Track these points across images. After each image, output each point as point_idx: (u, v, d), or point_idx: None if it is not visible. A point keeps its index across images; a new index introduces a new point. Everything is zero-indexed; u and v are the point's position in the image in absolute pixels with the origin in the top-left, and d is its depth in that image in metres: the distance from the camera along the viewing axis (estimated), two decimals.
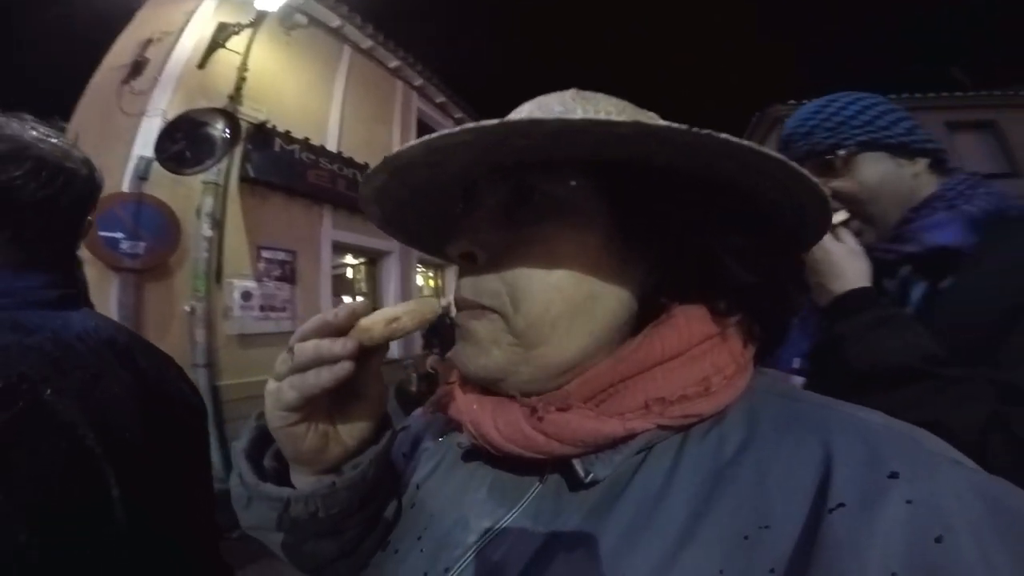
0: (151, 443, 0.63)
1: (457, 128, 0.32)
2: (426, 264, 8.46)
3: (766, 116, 11.27)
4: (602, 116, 0.32)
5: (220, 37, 4.67)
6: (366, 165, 6.51)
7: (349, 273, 8.11)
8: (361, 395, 0.41)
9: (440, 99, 8.89)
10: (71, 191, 0.68)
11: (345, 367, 0.35)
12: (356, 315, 0.37)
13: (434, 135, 0.33)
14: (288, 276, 5.43)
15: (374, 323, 0.37)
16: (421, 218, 0.49)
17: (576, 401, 0.36)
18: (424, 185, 0.41)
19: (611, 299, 0.37)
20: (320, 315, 0.37)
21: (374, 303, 7.28)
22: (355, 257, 7.50)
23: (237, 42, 4.87)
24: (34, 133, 0.66)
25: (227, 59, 4.89)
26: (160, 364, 0.74)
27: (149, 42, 4.67)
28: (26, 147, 0.64)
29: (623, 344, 0.37)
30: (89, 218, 0.74)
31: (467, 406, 0.40)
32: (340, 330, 0.37)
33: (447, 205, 0.45)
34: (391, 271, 7.25)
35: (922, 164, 0.88)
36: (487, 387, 0.41)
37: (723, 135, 0.29)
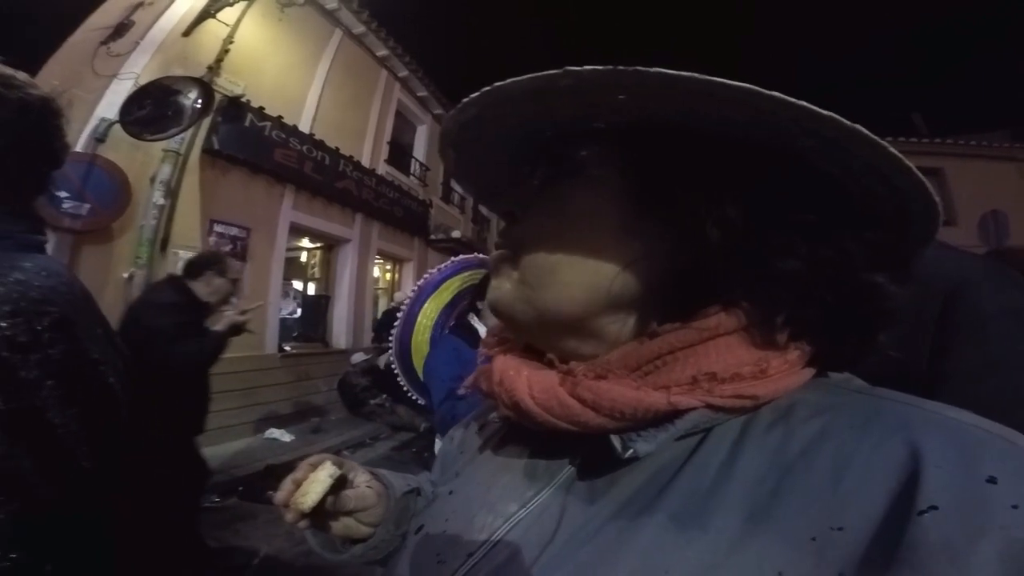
0: (125, 379, 0.70)
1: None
2: (385, 256, 8.36)
3: None
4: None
5: (212, 7, 4.46)
6: (336, 149, 6.38)
7: (304, 257, 7.90)
8: (356, 496, 0.49)
9: (422, 93, 8.79)
10: (60, 136, 0.70)
11: (298, 524, 0.45)
12: (297, 484, 0.46)
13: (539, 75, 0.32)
14: (239, 253, 5.23)
15: (297, 497, 0.45)
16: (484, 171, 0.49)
17: (618, 368, 0.34)
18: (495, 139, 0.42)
19: (616, 258, 0.35)
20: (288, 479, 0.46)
21: (326, 289, 7.14)
22: (312, 241, 7.31)
23: (228, 14, 4.66)
24: (20, 76, 0.66)
25: (214, 29, 4.68)
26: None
27: (139, 5, 4.40)
28: (16, 87, 0.64)
29: (661, 320, 0.35)
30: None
31: (504, 372, 0.39)
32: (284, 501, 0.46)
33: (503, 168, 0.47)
34: (348, 258, 7.10)
35: None
36: (523, 341, 0.43)
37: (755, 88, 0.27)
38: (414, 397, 2.16)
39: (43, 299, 0.55)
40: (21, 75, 0.66)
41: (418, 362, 2.01)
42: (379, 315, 7.34)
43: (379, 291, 8.57)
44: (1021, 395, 0.63)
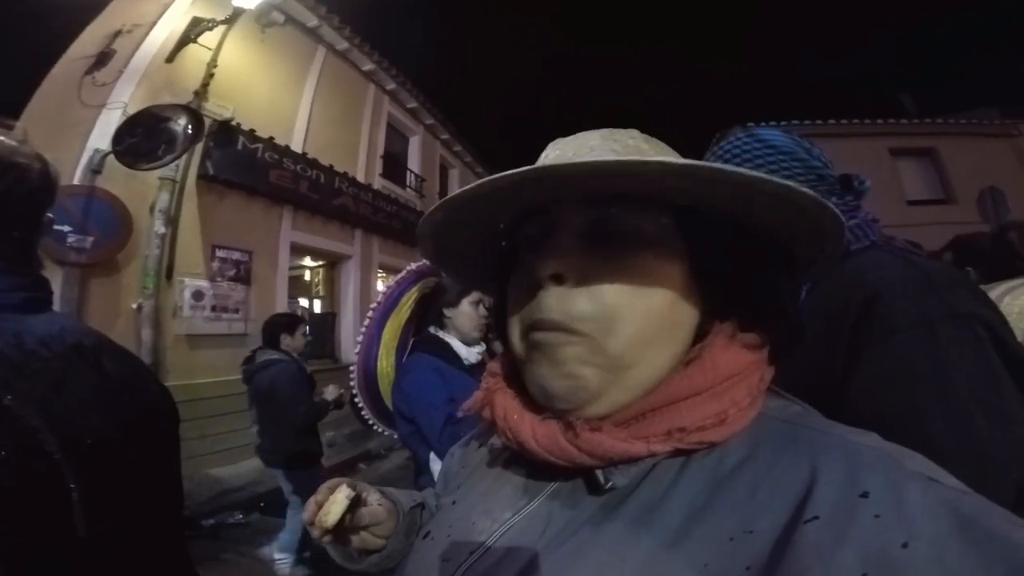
0: (116, 449, 0.62)
1: (514, 172, 0.35)
2: (387, 270, 8.40)
3: (725, 136, 11.51)
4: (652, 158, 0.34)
5: (192, 32, 4.55)
6: (331, 167, 6.44)
7: (307, 276, 7.97)
8: (369, 513, 0.57)
9: (412, 104, 8.87)
10: (23, 186, 0.65)
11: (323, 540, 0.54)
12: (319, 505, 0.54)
13: (495, 177, 0.36)
14: (243, 277, 5.30)
15: (321, 516, 0.53)
16: (467, 256, 0.54)
17: (607, 424, 0.39)
18: (471, 223, 0.46)
19: (688, 327, 0.41)
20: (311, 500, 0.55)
21: (332, 306, 7.19)
22: (314, 260, 7.37)
23: (209, 38, 4.75)
24: None
25: (197, 54, 4.77)
26: (127, 367, 0.71)
27: (118, 33, 4.49)
28: None
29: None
30: (49, 215, 0.71)
31: (508, 412, 0.44)
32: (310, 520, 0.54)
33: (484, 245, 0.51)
34: (351, 275, 7.17)
35: None
36: (542, 407, 0.43)
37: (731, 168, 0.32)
38: (381, 430, 1.93)
39: None
40: None
41: (384, 389, 1.81)
42: None
43: None
44: (914, 409, 0.65)
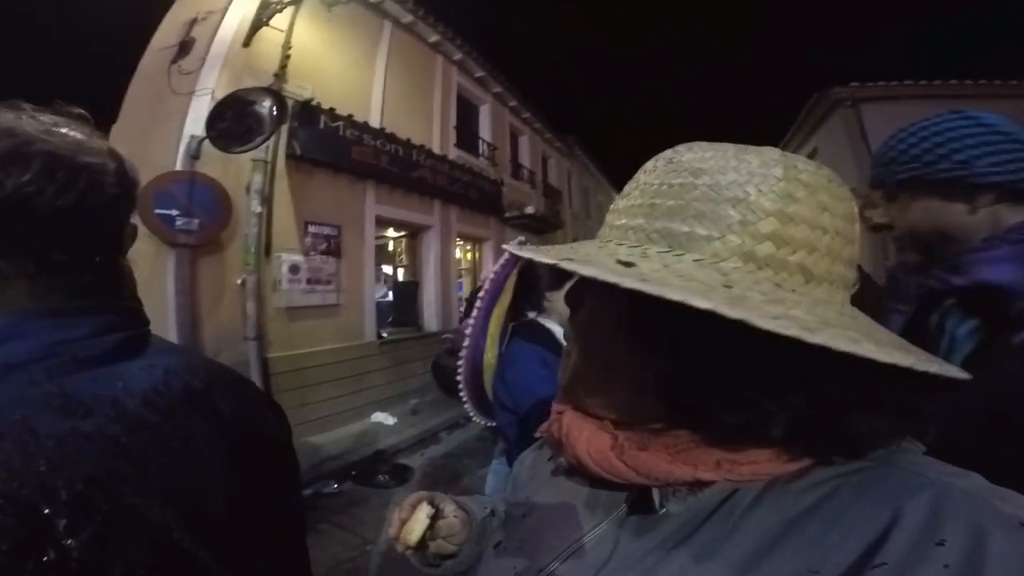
0: (244, 498, 0.53)
1: (550, 261, 0.40)
2: (465, 238, 8.53)
3: (825, 98, 10.22)
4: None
5: (263, 15, 4.72)
6: (408, 141, 6.57)
7: (390, 246, 8.28)
8: (446, 524, 0.64)
9: (479, 73, 8.80)
10: (100, 192, 0.51)
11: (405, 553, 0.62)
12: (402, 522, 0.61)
13: (537, 256, 0.42)
14: (333, 250, 5.59)
15: (404, 534, 0.60)
16: None
17: (656, 445, 0.41)
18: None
19: (625, 374, 0.43)
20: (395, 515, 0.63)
21: (414, 275, 7.44)
22: (397, 231, 7.65)
23: (280, 20, 4.91)
24: (34, 123, 0.49)
25: (271, 37, 4.95)
26: (241, 399, 0.60)
27: (194, 22, 4.78)
28: (29, 141, 0.47)
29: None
30: (132, 222, 0.59)
31: (570, 428, 0.47)
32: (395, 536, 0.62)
33: None
34: (431, 244, 7.39)
35: (986, 199, 0.79)
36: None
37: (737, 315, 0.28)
38: (481, 421, 1.87)
39: (62, 463, 0.39)
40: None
41: (488, 379, 1.72)
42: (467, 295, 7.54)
43: (463, 271, 8.80)
44: None
